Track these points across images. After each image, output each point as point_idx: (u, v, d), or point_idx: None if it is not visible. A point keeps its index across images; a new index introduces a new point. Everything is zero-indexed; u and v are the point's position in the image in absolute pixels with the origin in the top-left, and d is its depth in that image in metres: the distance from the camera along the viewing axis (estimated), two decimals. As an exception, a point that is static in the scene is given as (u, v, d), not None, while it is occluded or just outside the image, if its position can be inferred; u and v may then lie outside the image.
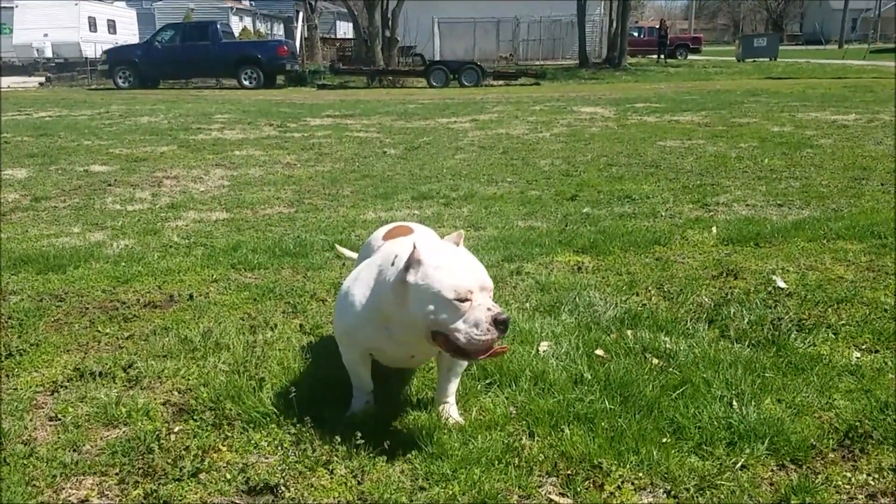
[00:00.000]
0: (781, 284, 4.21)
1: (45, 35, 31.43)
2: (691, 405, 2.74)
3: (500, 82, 27.82)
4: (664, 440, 2.54)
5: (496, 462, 2.41)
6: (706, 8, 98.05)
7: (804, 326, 3.58)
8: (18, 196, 7.86)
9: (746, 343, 3.39)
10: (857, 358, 3.24)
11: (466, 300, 2.35)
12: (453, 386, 2.82)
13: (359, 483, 2.32)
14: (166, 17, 37.53)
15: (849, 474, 2.38)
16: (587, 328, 3.57)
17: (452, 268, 2.41)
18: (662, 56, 39.76)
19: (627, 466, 2.41)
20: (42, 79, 29.77)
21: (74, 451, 2.54)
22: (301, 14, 35.98)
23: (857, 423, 2.63)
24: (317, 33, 38.21)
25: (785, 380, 3.02)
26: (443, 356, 2.75)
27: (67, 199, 7.71)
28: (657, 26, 42.93)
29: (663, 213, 6.45)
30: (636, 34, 44.27)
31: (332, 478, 2.34)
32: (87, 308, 3.99)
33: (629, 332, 3.50)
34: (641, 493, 2.30)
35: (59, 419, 2.76)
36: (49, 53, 31.51)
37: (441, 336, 2.39)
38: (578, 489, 2.28)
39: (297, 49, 30.60)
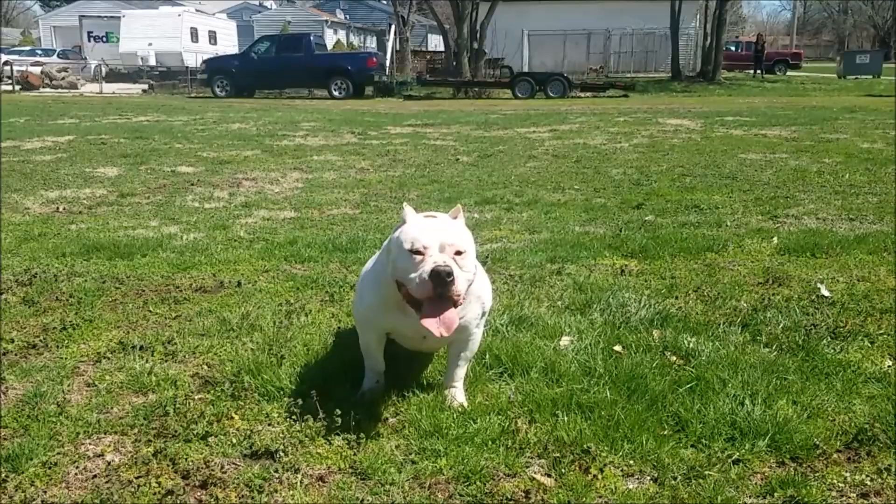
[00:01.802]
0: (825, 293, 4.11)
1: (150, 44, 33.09)
2: (698, 401, 2.74)
3: (588, 94, 27.59)
4: (664, 432, 2.55)
5: (490, 443, 2.48)
6: (810, 24, 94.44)
7: (839, 334, 3.50)
8: (106, 192, 8.34)
9: (775, 347, 3.34)
10: (889, 366, 3.15)
11: (419, 253, 2.48)
12: (461, 371, 2.90)
13: (354, 453, 2.43)
14: (265, 28, 39.01)
15: (847, 474, 2.34)
16: (613, 326, 3.58)
17: (419, 226, 2.59)
18: (759, 71, 38.61)
19: (619, 454, 2.43)
20: (145, 86, 31.34)
21: (102, 412, 2.74)
22: (393, 27, 36.68)
23: (867, 427, 2.57)
24: (408, 46, 38.85)
25: (806, 383, 2.97)
26: (455, 343, 2.84)
27: (151, 196, 8.14)
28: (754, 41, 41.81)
29: (728, 224, 6.34)
30: (733, 48, 43.19)
31: (329, 447, 2.46)
32: (144, 290, 4.26)
33: (656, 331, 3.50)
34: (628, 479, 2.33)
35: (95, 385, 2.99)
36: (153, 62, 33.15)
37: (403, 288, 2.53)
38: (563, 471, 2.32)
39: (388, 61, 31.21)
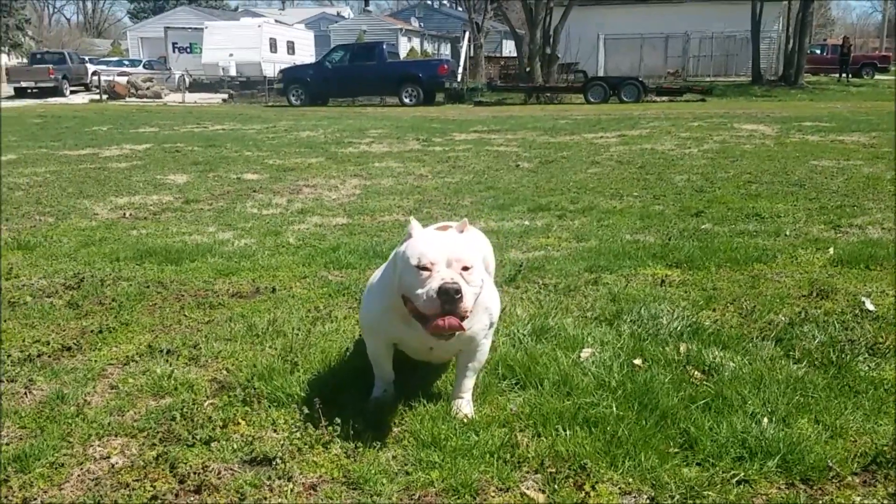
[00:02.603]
0: (870, 307, 3.91)
1: (231, 55, 34.06)
2: (712, 418, 2.64)
3: (663, 98, 27.01)
4: (669, 449, 2.47)
5: (487, 456, 2.45)
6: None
7: (877, 350, 3.32)
8: (173, 198, 8.62)
9: (805, 363, 3.20)
10: (927, 385, 2.97)
11: (426, 269, 2.47)
12: (469, 382, 2.87)
13: (351, 462, 2.43)
14: (341, 38, 39.76)
15: (858, 498, 2.22)
16: (639, 339, 3.49)
17: (427, 240, 2.57)
18: (844, 75, 37.12)
19: (619, 471, 2.37)
20: (225, 95, 32.29)
21: (117, 415, 2.83)
22: (467, 34, 36.83)
23: (887, 448, 2.43)
24: (482, 52, 38.94)
25: (832, 401, 2.83)
26: (462, 354, 2.82)
27: (214, 202, 8.36)
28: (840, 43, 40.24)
29: (788, 233, 6.11)
30: (818, 52, 41.65)
31: (326, 455, 2.48)
32: (183, 295, 4.38)
33: (683, 345, 3.39)
34: (625, 496, 2.26)
35: (117, 388, 3.09)
36: (233, 72, 34.11)
37: (409, 303, 2.52)
38: (557, 487, 2.27)
39: (460, 67, 31.34)
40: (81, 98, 32.29)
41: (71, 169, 11.09)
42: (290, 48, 37.78)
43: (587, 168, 10.37)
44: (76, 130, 17.59)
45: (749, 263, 4.90)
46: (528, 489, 2.28)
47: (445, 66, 28.62)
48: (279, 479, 2.35)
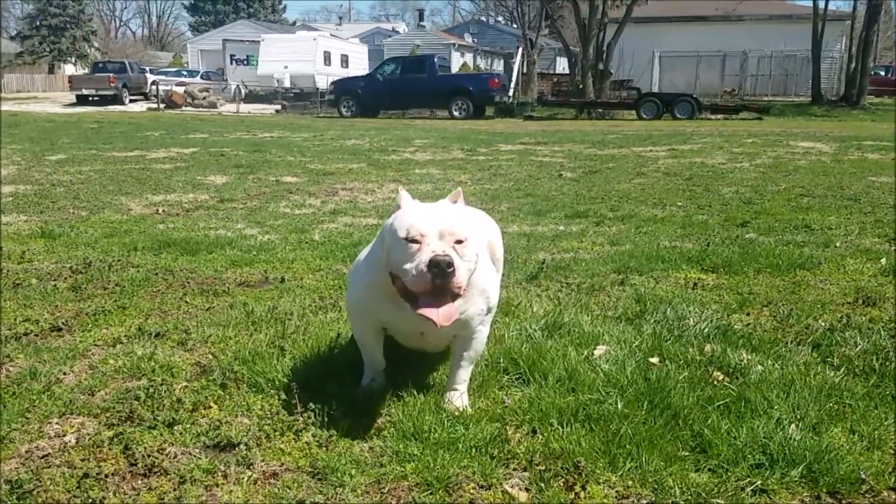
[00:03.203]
0: (922, 315, 3.55)
1: (285, 67, 34.42)
2: (730, 422, 2.35)
3: (718, 116, 26.37)
4: (679, 452, 2.18)
5: (473, 450, 2.20)
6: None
7: (927, 359, 2.97)
8: (208, 197, 8.57)
9: (844, 370, 2.87)
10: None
11: (415, 242, 2.26)
12: (464, 373, 2.63)
13: (324, 451, 2.21)
14: (394, 52, 39.88)
15: (892, 516, 1.91)
16: (661, 339, 3.19)
17: (416, 211, 2.37)
18: (909, 97, 35.84)
19: (618, 472, 2.10)
20: (278, 106, 32.65)
21: (87, 394, 2.66)
22: (520, 50, 36.62)
23: (929, 462, 2.11)
24: (535, 68, 38.71)
25: (872, 411, 2.50)
26: (457, 342, 2.59)
27: (248, 202, 8.29)
28: (908, 64, 38.94)
29: (838, 245, 5.73)
30: (882, 73, 40.36)
31: (296, 443, 2.26)
32: (189, 283, 4.23)
33: (708, 346, 3.09)
34: (621, 500, 1.98)
35: (96, 368, 2.92)
36: (287, 84, 34.47)
37: (398, 280, 2.31)
38: (544, 486, 2.01)
39: (512, 83, 31.11)
40: (139, 107, 33.00)
41: (115, 168, 11.19)
42: (344, 61, 38.07)
43: (632, 179, 10.06)
44: (129, 135, 17.87)
45: (791, 270, 4.55)
46: (511, 487, 2.03)
47: (496, 80, 28.44)
48: (238, 465, 2.15)
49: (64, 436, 2.35)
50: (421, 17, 57.50)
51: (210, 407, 2.51)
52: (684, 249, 5.35)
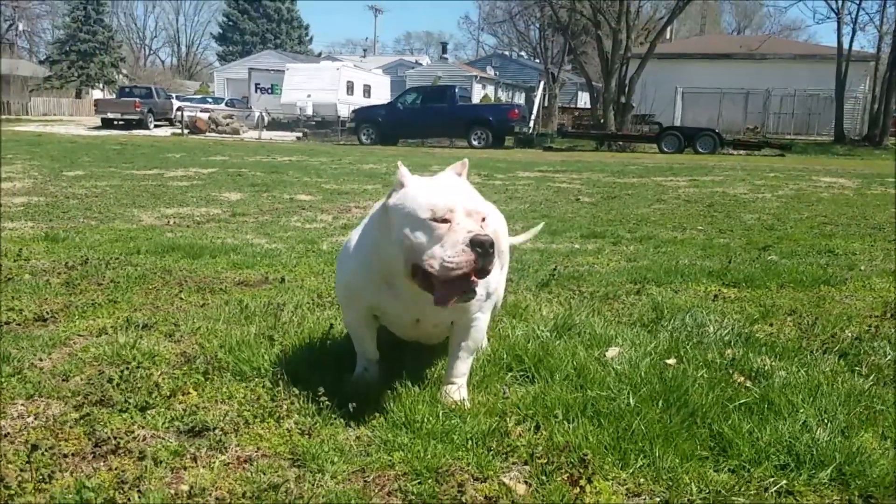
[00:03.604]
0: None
1: (308, 95, 34.66)
2: (752, 422, 2.14)
3: (740, 152, 26.14)
4: (696, 451, 1.98)
5: (469, 442, 2.00)
6: None
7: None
8: (221, 211, 8.48)
9: (874, 378, 2.65)
10: None
11: (445, 221, 2.04)
12: (463, 366, 2.43)
13: (305, 438, 2.02)
14: (417, 83, 40.06)
15: (935, 524, 1.69)
16: (677, 342, 2.99)
17: (433, 188, 2.14)
18: (934, 139, 35.43)
19: (629, 469, 1.90)
20: (300, 133, 32.85)
21: (60, 379, 2.50)
22: (542, 83, 36.72)
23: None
24: (556, 102, 38.77)
25: (907, 417, 2.28)
26: (455, 331, 2.40)
27: (260, 216, 8.19)
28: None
29: (862, 268, 5.50)
30: (907, 114, 39.99)
31: (276, 429, 2.08)
32: (186, 282, 4.08)
33: (729, 350, 2.88)
34: (632, 498, 1.78)
35: (76, 355, 2.76)
36: (310, 112, 34.69)
37: (419, 271, 2.09)
38: (546, 480, 1.81)
39: (534, 115, 31.11)
40: (164, 131, 33.33)
41: (131, 184, 11.17)
42: (367, 91, 38.30)
43: (651, 204, 9.88)
44: (150, 156, 17.95)
45: (816, 285, 4.33)
46: (509, 479, 1.83)
47: (516, 111, 28.40)
48: (211, 449, 1.97)
49: (27, 416, 2.19)
50: (444, 50, 58.00)
51: (188, 393, 2.34)
52: (704, 266, 5.15)
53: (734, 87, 37.04)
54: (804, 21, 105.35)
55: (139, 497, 1.66)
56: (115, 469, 1.84)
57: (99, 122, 34.88)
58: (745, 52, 37.21)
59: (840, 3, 32.55)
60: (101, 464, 1.90)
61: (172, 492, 1.72)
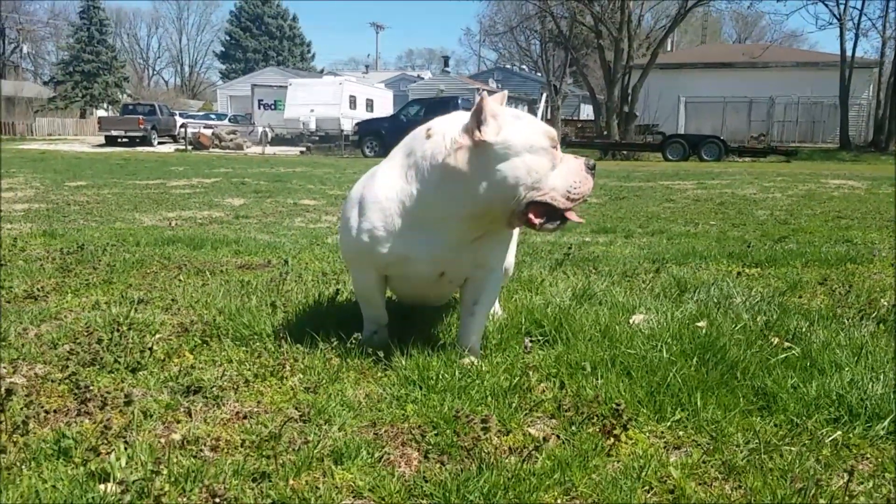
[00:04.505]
0: None
1: (311, 110, 34.61)
2: (797, 376, 1.96)
3: (746, 158, 25.96)
4: (741, 404, 1.80)
5: (489, 398, 1.83)
6: None
7: None
8: (223, 214, 8.34)
9: (918, 340, 2.47)
10: None
11: (556, 148, 2.07)
12: (478, 322, 2.26)
13: (311, 395, 1.85)
14: (419, 97, 40.00)
15: None
16: (706, 308, 2.81)
17: (528, 118, 2.12)
18: (941, 143, 35.21)
19: (667, 421, 1.71)
20: (303, 148, 32.80)
21: (49, 346, 2.33)
22: (545, 95, 36.68)
23: None
24: (558, 114, 38.72)
25: (963, 372, 2.10)
26: (469, 288, 2.24)
27: (264, 218, 8.05)
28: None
29: (884, 254, 5.32)
30: (912, 119, 39.79)
31: (279, 387, 1.91)
32: (186, 265, 3.92)
33: (761, 317, 2.70)
34: (672, 451, 1.60)
35: (67, 326, 2.59)
36: (313, 126, 34.63)
37: (532, 205, 2.05)
38: (577, 431, 1.63)
39: (537, 126, 30.95)
40: (168, 147, 33.31)
41: (133, 192, 11.06)
42: (370, 105, 38.27)
43: (660, 203, 9.73)
44: (153, 169, 17.87)
45: (842, 263, 4.16)
46: (535, 431, 1.66)
47: (522, 120, 28.31)
48: (206, 405, 1.80)
49: (10, 377, 2.02)
50: (446, 64, 58.02)
51: (183, 355, 2.17)
52: (724, 249, 4.98)
53: (737, 95, 36.92)
54: (805, 29, 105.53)
55: (125, 447, 1.49)
56: (100, 422, 1.68)
57: (103, 140, 34.88)
58: (748, 60, 37.10)
59: (842, 8, 32.50)
60: (87, 419, 1.73)
61: (163, 441, 1.56)
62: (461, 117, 2.16)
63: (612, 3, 30.48)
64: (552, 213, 2.07)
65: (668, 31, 33.05)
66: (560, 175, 2.03)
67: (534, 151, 2.02)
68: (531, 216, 2.04)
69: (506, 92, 2.24)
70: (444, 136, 2.09)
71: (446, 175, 2.05)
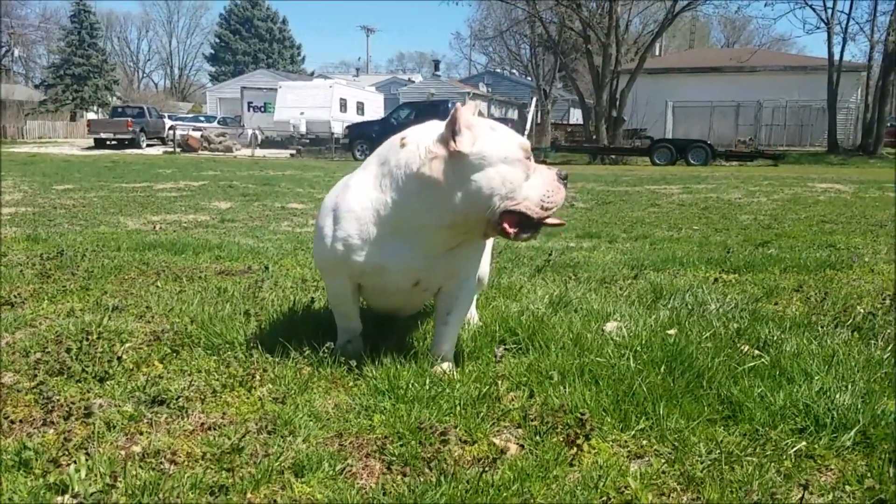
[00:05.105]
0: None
1: (302, 113, 34.57)
2: (764, 385, 1.97)
3: (734, 163, 26.09)
4: (705, 413, 1.81)
5: (457, 407, 1.83)
6: None
7: None
8: (209, 218, 8.32)
9: (890, 349, 2.48)
10: None
11: (529, 157, 2.10)
12: (451, 332, 2.27)
13: (279, 406, 1.85)
14: (410, 100, 40.03)
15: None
16: (678, 316, 2.82)
17: (503, 128, 2.13)
18: (928, 148, 35.41)
19: (630, 430, 1.72)
20: (294, 151, 32.76)
21: (20, 354, 2.32)
22: (534, 100, 36.77)
23: None
24: (548, 118, 38.80)
25: (930, 383, 2.11)
26: (443, 297, 2.25)
27: (250, 222, 8.03)
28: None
29: (867, 259, 5.35)
30: (899, 125, 40.01)
31: (247, 398, 1.90)
32: (164, 272, 3.91)
33: (734, 324, 2.72)
34: (633, 460, 1.61)
35: (40, 334, 2.58)
36: (303, 129, 34.58)
37: (506, 215, 2.06)
38: (540, 440, 1.64)
39: (527, 130, 31.09)
40: (156, 150, 33.21)
41: (119, 195, 11.02)
42: (360, 109, 38.27)
43: (646, 208, 9.77)
44: (141, 172, 17.81)
45: (821, 269, 4.18)
46: (500, 441, 1.66)
47: (510, 125, 28.37)
48: (170, 416, 1.79)
49: (-25, 387, 2.02)
50: (437, 67, 57.96)
51: (153, 365, 2.16)
52: (703, 255, 5.00)
53: (725, 100, 37.05)
54: (793, 33, 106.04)
55: (85, 459, 1.49)
56: (63, 432, 1.67)
57: (92, 143, 34.75)
58: (735, 64, 37.26)
59: (830, 13, 32.68)
60: (51, 429, 1.73)
61: (123, 453, 1.55)
62: (436, 127, 2.18)
63: (601, 9, 30.59)
64: (526, 223, 2.08)
65: (656, 35, 33.17)
66: (533, 185, 2.05)
67: (508, 162, 2.03)
68: (506, 226, 2.06)
69: (478, 102, 2.26)
70: (418, 145, 2.11)
71: (421, 185, 2.07)
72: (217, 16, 75.53)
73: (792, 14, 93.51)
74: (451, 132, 2.06)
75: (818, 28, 41.08)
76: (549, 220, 2.11)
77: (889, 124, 35.31)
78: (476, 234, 2.14)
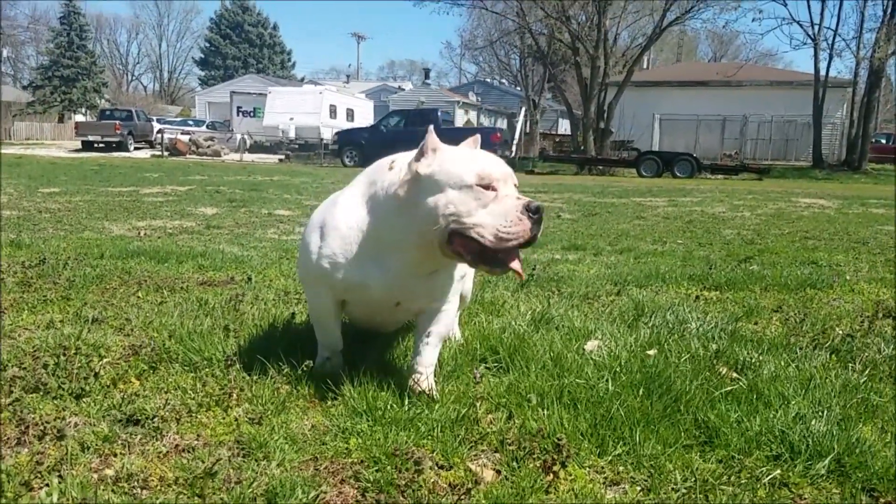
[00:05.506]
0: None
1: (291, 119, 34.53)
2: (740, 410, 1.98)
3: (719, 176, 26.26)
4: (681, 439, 1.82)
5: (435, 430, 1.83)
6: None
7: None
8: (195, 224, 8.29)
9: (868, 374, 2.50)
10: None
11: (491, 188, 2.00)
12: (432, 353, 2.27)
13: (254, 427, 1.84)
14: (400, 107, 40.07)
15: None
16: (658, 336, 2.84)
17: (471, 155, 2.09)
18: (912, 163, 35.70)
19: (607, 456, 1.73)
20: (282, 156, 32.70)
21: (-6, 369, 2.30)
22: (523, 110, 36.90)
23: None
24: (537, 128, 38.94)
25: (906, 410, 2.13)
26: (424, 317, 2.26)
27: (236, 229, 8.00)
28: (910, 131, 38.94)
29: (848, 277, 5.39)
30: (883, 141, 40.36)
31: (223, 418, 1.89)
32: (146, 282, 3.89)
33: (713, 345, 2.73)
34: (609, 487, 1.61)
35: (18, 347, 2.56)
36: (292, 135, 34.53)
37: (459, 239, 2.02)
38: (516, 466, 1.64)
39: (516, 139, 31.21)
40: (144, 153, 33.07)
41: (105, 200, 10.96)
42: (350, 115, 38.26)
43: (631, 220, 9.81)
44: (128, 175, 17.72)
45: (801, 288, 4.21)
46: (476, 466, 1.66)
47: (498, 135, 28.45)
48: (145, 437, 1.78)
49: (-51, 404, 2.00)
50: (426, 76, 58.13)
51: (130, 382, 2.15)
52: (685, 271, 5.03)
53: (711, 113, 37.32)
54: (780, 49, 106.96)
55: (58, 482, 1.48)
56: (38, 453, 1.66)
57: (80, 145, 34.56)
58: (722, 78, 37.54)
59: (817, 29, 32.98)
60: (25, 449, 1.72)
61: (96, 476, 1.54)
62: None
63: (590, 21, 30.76)
64: (488, 255, 2.04)
65: (644, 49, 33.39)
66: (491, 213, 2.01)
67: (457, 188, 2.03)
68: (460, 249, 2.05)
69: (478, 136, 2.28)
70: (401, 169, 2.14)
71: (397, 205, 2.11)
72: (207, 20, 75.40)
73: (779, 30, 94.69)
74: (419, 154, 2.09)
75: (805, 44, 41.39)
76: (512, 264, 2.05)
77: (874, 140, 35.62)
78: (441, 255, 2.15)
